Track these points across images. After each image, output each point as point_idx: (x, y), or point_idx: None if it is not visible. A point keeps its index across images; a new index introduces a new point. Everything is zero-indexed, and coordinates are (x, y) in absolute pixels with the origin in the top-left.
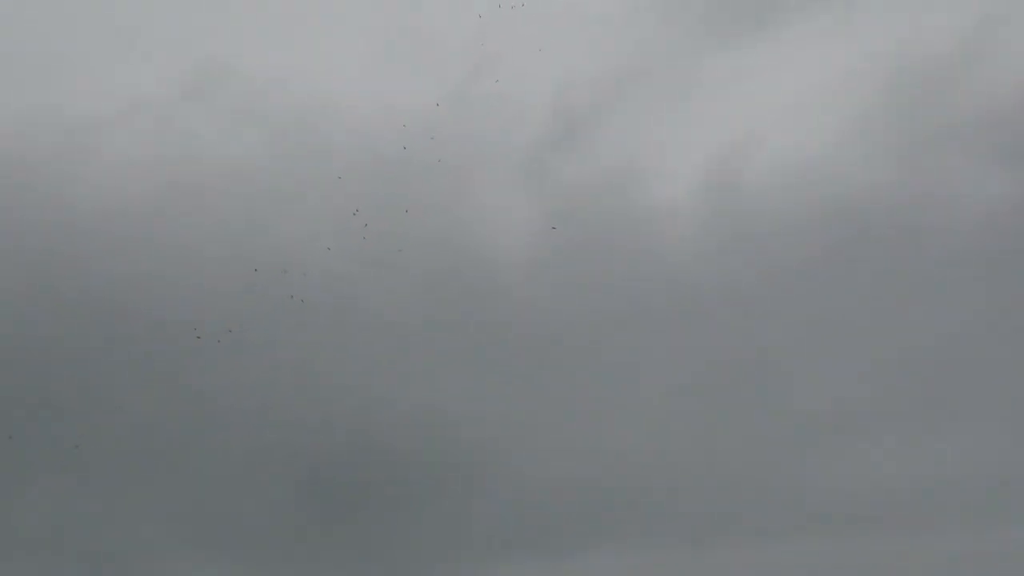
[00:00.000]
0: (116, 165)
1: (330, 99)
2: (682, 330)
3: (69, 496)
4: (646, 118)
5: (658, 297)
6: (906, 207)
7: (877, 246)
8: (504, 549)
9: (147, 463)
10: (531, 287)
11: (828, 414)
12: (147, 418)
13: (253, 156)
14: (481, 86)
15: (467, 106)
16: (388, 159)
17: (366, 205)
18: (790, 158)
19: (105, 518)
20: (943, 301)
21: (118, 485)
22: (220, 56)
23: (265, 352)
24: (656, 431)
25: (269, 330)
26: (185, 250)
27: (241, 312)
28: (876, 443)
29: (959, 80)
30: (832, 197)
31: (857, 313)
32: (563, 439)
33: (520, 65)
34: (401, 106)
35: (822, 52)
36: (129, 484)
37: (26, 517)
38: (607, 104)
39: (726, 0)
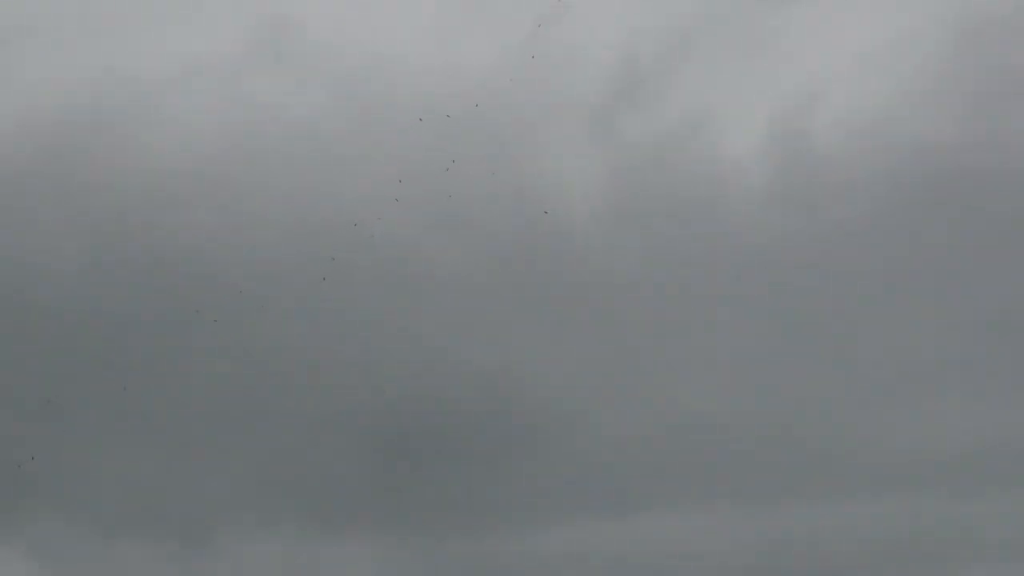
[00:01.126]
0: (180, 126)
1: (395, 56)
2: (751, 284)
3: (134, 460)
4: (714, 70)
5: (726, 251)
6: (977, 159)
7: (949, 198)
8: (572, 508)
9: (213, 425)
10: (598, 242)
11: (902, 370)
12: (213, 379)
13: (318, 115)
14: (547, 39)
15: (533, 60)
16: (454, 115)
17: (431, 161)
18: (859, 110)
19: (170, 481)
20: (1015, 254)
21: (183, 448)
22: (284, 15)
23: (332, 311)
24: (725, 389)
25: (336, 289)
26: (250, 210)
27: (307, 272)
28: (952, 400)
29: None
30: (902, 149)
31: (929, 266)
32: (631, 397)
33: (586, 18)
34: (466, 61)
35: (891, 3)
36: (194, 446)
37: (89, 481)
38: (674, 57)
39: None
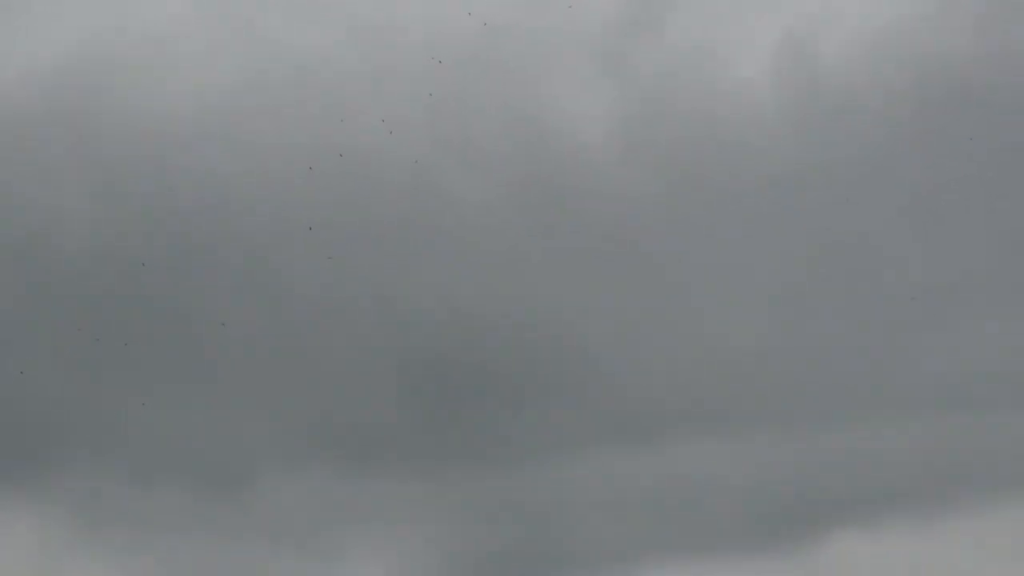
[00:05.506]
0: (191, 65)
1: None
2: (771, 213)
3: (166, 407)
4: None
5: (743, 181)
6: (992, 74)
7: (965, 114)
8: (603, 440)
9: (243, 369)
10: (615, 174)
11: (927, 290)
12: (241, 323)
13: (329, 51)
14: None
15: None
16: (464, 51)
17: (441, 98)
18: (869, 28)
19: (203, 427)
20: None
21: (216, 393)
22: None
23: (354, 249)
24: (750, 318)
25: (356, 227)
26: (266, 148)
27: (329, 206)
28: (978, 319)
29: None
30: (915, 66)
31: (949, 184)
32: (655, 329)
33: None
34: None
35: None
36: (226, 391)
37: (121, 429)
38: None
39: None
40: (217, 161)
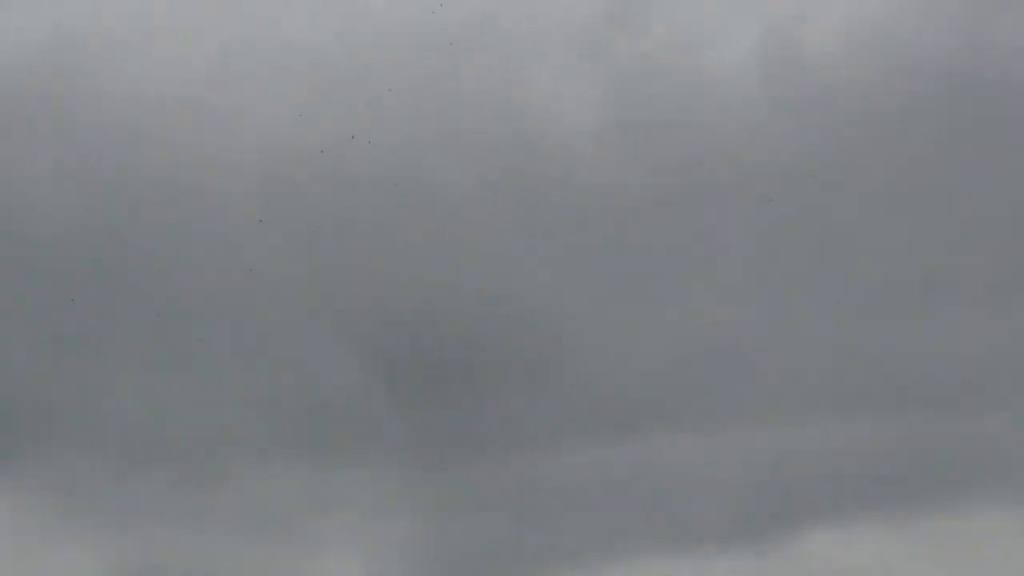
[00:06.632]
0: (169, 47)
1: None
2: (750, 203)
3: (145, 391)
4: None
5: (727, 170)
6: (974, 68)
7: (946, 105)
8: (581, 431)
9: (223, 354)
10: (597, 163)
11: (906, 285)
12: (221, 307)
13: (309, 32)
14: None
15: None
16: (449, 40)
17: (426, 87)
18: (852, 18)
19: (183, 411)
20: (1020, 162)
21: (195, 377)
22: None
23: (330, 234)
24: (727, 309)
25: (335, 212)
26: (245, 129)
27: (304, 191)
28: (963, 322)
29: None
30: (897, 57)
31: (930, 178)
32: (632, 320)
33: None
34: None
35: None
36: (206, 376)
37: (101, 413)
38: None
39: None
40: (195, 142)
